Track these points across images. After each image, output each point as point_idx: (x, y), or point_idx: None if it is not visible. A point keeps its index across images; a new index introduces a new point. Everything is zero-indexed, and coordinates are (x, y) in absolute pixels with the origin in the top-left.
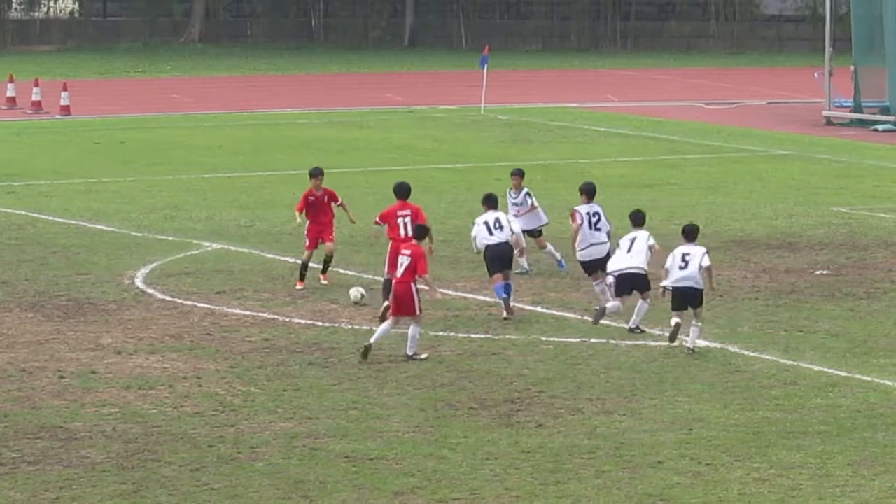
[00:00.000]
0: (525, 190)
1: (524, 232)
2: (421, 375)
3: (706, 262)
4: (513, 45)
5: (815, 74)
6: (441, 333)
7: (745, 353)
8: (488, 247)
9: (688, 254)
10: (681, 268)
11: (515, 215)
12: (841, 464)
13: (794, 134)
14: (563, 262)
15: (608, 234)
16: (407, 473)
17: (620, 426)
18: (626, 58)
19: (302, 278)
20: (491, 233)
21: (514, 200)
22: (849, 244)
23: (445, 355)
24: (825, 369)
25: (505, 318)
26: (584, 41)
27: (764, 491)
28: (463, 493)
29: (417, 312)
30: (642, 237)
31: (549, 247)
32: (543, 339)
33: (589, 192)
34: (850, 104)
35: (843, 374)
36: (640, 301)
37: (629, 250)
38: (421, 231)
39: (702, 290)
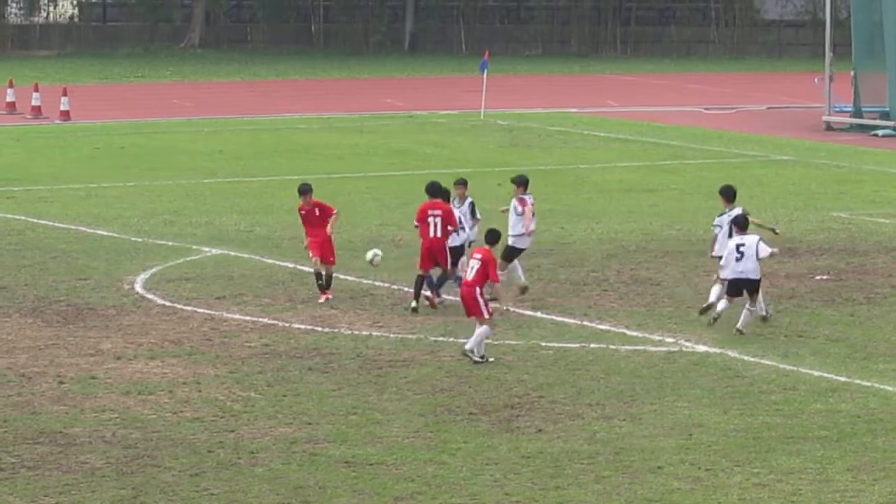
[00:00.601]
0: (469, 200)
1: None
2: (420, 380)
3: (763, 252)
4: (513, 50)
5: (816, 79)
6: (441, 339)
7: (745, 358)
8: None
9: (742, 244)
10: (737, 259)
11: None
12: (841, 469)
13: (794, 139)
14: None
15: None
16: (407, 479)
17: (620, 431)
18: (627, 63)
19: (322, 289)
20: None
21: (457, 210)
22: (849, 249)
23: (445, 360)
24: (825, 374)
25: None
26: (585, 46)
27: (764, 496)
28: (463, 498)
29: (486, 316)
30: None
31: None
32: (543, 344)
33: (525, 184)
34: (850, 109)
35: (843, 379)
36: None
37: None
38: (493, 236)
39: (759, 280)
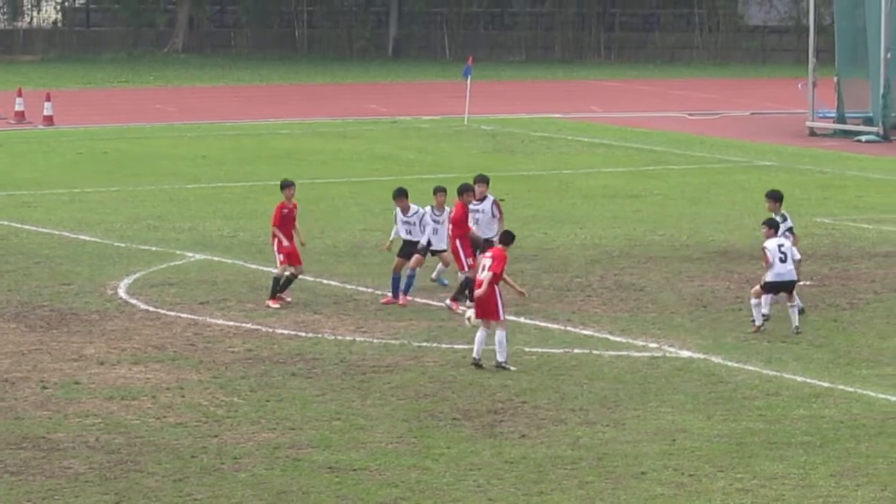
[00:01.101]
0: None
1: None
2: (404, 386)
3: (797, 255)
4: (496, 56)
5: (799, 85)
6: (424, 344)
7: (729, 363)
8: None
9: (782, 245)
10: (781, 260)
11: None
12: (824, 475)
13: (778, 145)
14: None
15: None
16: (390, 484)
17: (604, 437)
18: (610, 68)
19: (276, 295)
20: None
21: (437, 217)
22: (832, 255)
23: (428, 366)
24: (808, 380)
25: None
26: (568, 52)
27: (747, 502)
28: (446, 503)
29: (501, 318)
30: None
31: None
32: (526, 349)
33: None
34: (833, 115)
35: (826, 384)
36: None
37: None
38: (507, 237)
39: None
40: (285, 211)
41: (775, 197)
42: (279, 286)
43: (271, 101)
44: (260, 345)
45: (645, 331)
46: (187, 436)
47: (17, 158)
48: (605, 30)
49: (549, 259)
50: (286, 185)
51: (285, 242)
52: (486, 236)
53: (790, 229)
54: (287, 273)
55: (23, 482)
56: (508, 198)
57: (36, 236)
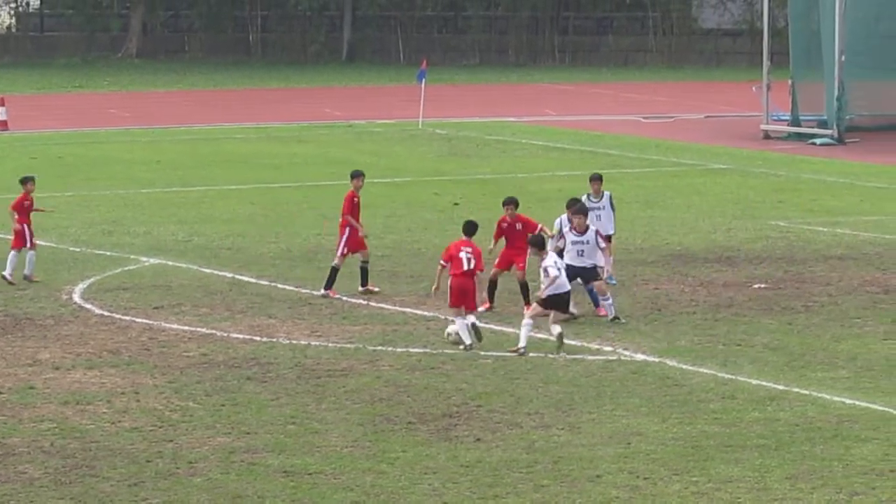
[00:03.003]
0: (608, 194)
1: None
2: (359, 390)
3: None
4: (451, 60)
5: (753, 88)
6: (379, 348)
7: (684, 367)
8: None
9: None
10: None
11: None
12: (779, 477)
13: (732, 148)
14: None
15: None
16: (345, 488)
17: (559, 440)
18: (564, 72)
19: (331, 286)
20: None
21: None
22: (787, 258)
23: (384, 370)
24: (763, 383)
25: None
26: (522, 55)
27: None
28: None
29: (476, 308)
30: None
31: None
32: (482, 353)
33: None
34: (787, 118)
35: (781, 387)
36: None
37: None
38: (472, 227)
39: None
40: (356, 199)
41: None
42: (334, 277)
43: (226, 105)
44: (215, 349)
45: (599, 334)
46: (142, 440)
47: None
48: (559, 33)
49: None
50: (356, 175)
51: (362, 231)
52: (590, 264)
53: None
54: (361, 262)
55: None
56: (463, 201)
57: None
